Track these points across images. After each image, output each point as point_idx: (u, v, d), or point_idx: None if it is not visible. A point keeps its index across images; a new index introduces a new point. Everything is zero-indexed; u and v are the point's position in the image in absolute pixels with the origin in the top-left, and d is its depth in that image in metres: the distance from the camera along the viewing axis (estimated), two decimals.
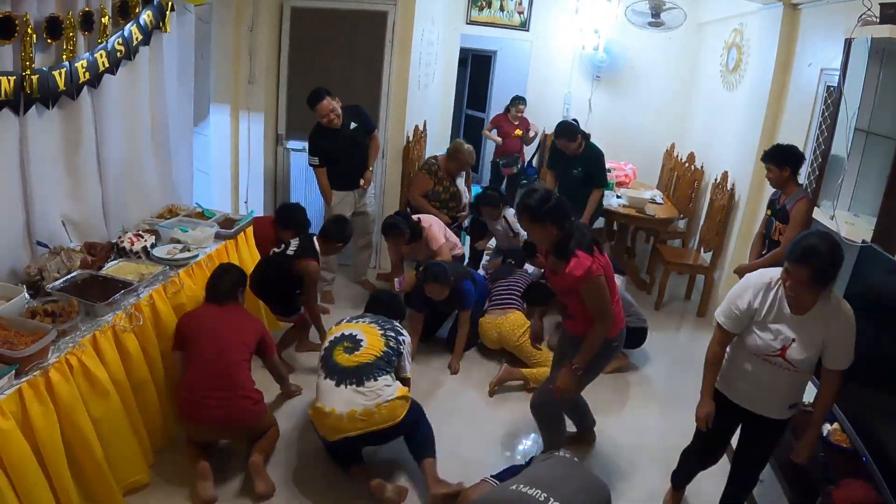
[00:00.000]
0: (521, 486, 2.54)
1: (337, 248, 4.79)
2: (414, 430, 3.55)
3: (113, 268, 3.66)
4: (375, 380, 3.39)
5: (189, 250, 4.02)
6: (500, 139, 8.04)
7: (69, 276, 3.38)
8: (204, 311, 3.65)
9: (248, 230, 4.73)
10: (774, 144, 4.53)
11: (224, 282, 3.74)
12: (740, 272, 4.37)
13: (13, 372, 2.60)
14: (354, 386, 3.36)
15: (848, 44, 3.66)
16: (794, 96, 5.15)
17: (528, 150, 8.33)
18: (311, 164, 5.36)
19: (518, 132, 7.89)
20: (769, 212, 4.55)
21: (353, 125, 5.32)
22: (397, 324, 3.84)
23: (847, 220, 3.55)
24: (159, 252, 3.93)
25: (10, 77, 3.04)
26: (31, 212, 3.44)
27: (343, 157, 5.32)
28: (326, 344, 3.64)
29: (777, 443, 3.06)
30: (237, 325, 3.61)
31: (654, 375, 5.06)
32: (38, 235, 3.50)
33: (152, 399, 3.51)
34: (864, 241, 3.19)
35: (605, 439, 4.13)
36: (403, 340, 3.71)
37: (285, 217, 4.98)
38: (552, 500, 2.44)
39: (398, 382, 3.51)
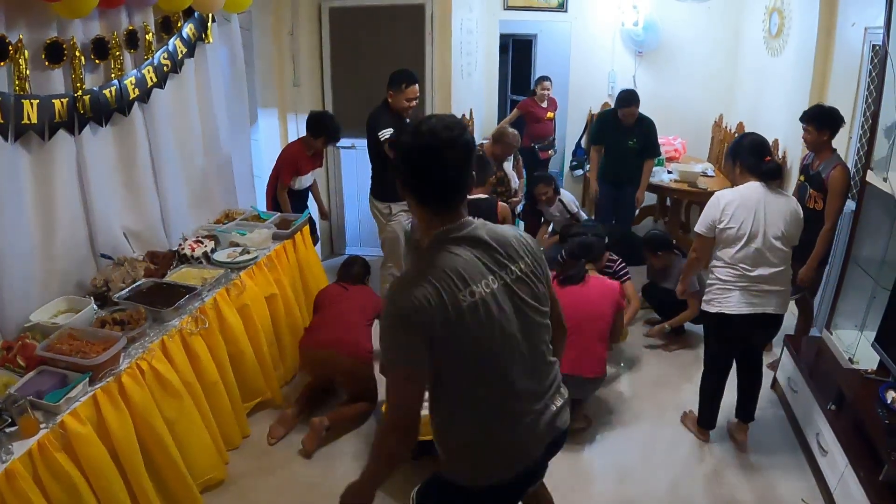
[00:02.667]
0: None
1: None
2: None
3: (176, 274, 3.79)
4: None
5: (248, 252, 4.11)
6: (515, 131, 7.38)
7: (134, 286, 3.51)
8: (334, 289, 4.24)
9: (304, 229, 4.81)
10: (816, 104, 4.34)
11: (354, 268, 4.39)
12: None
13: (87, 379, 2.72)
14: None
15: (890, 0, 3.58)
16: (840, 58, 5.02)
17: (577, 131, 8.19)
18: (385, 138, 4.68)
19: (550, 115, 7.74)
20: (802, 177, 4.36)
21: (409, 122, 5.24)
22: None
23: None
24: (220, 256, 4.04)
25: (63, 99, 3.18)
26: (93, 226, 3.58)
27: None
28: None
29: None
30: (360, 297, 4.14)
31: None
32: (101, 248, 3.63)
33: (223, 400, 3.61)
34: None
35: (665, 411, 4.19)
36: None
37: (314, 124, 5.12)
38: None
39: None
